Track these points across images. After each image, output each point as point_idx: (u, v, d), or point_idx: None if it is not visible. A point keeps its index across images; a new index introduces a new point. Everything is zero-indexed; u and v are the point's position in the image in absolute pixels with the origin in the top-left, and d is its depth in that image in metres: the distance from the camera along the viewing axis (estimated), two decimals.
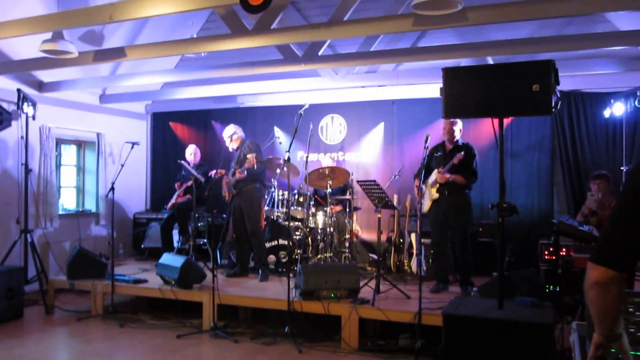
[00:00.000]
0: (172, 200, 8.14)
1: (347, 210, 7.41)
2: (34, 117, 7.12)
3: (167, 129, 9.91)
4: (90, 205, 8.95)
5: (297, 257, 6.86)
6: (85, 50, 6.40)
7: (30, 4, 6.34)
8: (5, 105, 7.01)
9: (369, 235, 8.05)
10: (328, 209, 7.16)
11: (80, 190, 8.99)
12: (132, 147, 6.78)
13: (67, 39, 5.74)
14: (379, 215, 6.11)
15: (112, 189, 6.40)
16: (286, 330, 5.44)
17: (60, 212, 8.28)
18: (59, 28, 5.51)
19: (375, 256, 6.36)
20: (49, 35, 5.63)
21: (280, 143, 8.81)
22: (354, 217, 7.71)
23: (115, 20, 5.21)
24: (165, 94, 8.79)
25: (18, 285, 6.46)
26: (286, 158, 5.66)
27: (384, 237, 7.32)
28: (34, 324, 6.30)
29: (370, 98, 8.33)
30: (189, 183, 7.74)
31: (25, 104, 6.95)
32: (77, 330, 6.06)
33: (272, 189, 7.43)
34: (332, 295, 5.59)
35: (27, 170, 7.09)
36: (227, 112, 9.40)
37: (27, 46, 6.36)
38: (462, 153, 5.83)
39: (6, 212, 7.28)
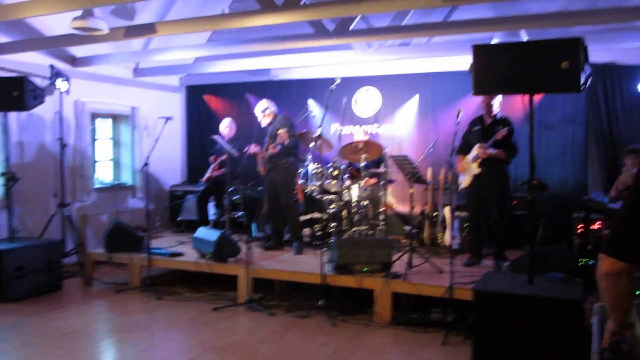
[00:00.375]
0: (207, 174, 8.18)
1: (382, 183, 7.32)
2: (67, 92, 7.18)
3: (201, 102, 9.91)
4: (126, 178, 9.06)
5: (331, 230, 6.83)
6: (117, 24, 6.38)
7: None
8: (39, 80, 7.07)
9: (404, 208, 7.96)
10: (362, 182, 7.09)
11: (117, 164, 9.10)
12: (165, 122, 6.79)
13: (98, 14, 5.72)
14: (411, 191, 6.02)
15: (147, 164, 6.44)
16: (320, 303, 5.45)
17: (97, 186, 8.42)
18: (89, 6, 5.49)
19: (410, 228, 6.30)
20: (79, 11, 5.62)
21: (314, 116, 8.73)
22: (389, 190, 7.62)
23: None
24: (198, 67, 8.76)
25: (57, 258, 6.61)
26: (318, 133, 5.59)
27: (417, 211, 7.24)
28: (73, 296, 6.45)
29: (403, 71, 8.19)
30: (224, 157, 7.75)
31: (59, 79, 7.00)
32: (115, 302, 6.18)
33: (307, 163, 7.38)
34: (365, 269, 5.56)
35: (63, 145, 7.18)
36: (261, 85, 9.33)
37: (60, 22, 6.36)
38: (506, 129, 5.69)
39: (44, 187, 7.40)
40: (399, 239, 7.48)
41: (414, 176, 5.89)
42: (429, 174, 7.28)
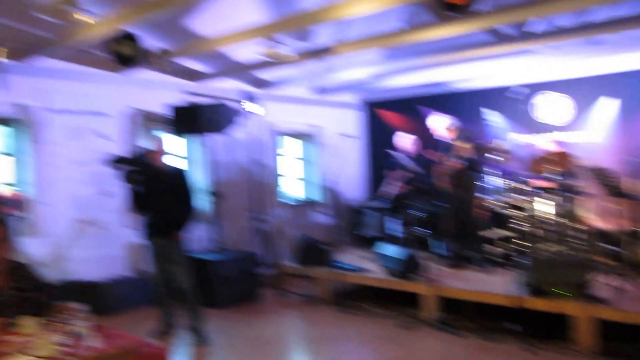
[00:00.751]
0: (389, 190, 8.25)
1: (578, 197, 6.81)
2: (258, 114, 7.68)
3: (380, 117, 10.06)
4: (313, 194, 9.46)
5: (522, 249, 6.51)
6: (297, 47, 6.70)
7: (248, 13, 6.75)
8: (231, 104, 7.60)
9: (605, 225, 7.31)
10: (554, 196, 6.66)
11: (304, 181, 9.57)
12: (348, 139, 7.00)
13: (281, 39, 6.08)
14: (614, 205, 5.51)
15: (331, 180, 6.68)
16: (513, 327, 5.21)
17: (286, 201, 8.92)
18: (275, 34, 5.87)
19: (613, 248, 5.74)
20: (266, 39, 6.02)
21: (494, 127, 8.42)
22: (586, 205, 7.06)
23: (324, 21, 5.38)
24: (376, 82, 8.91)
25: (254, 269, 7.12)
26: (501, 144, 5.40)
27: (623, 227, 6.59)
28: (269, 306, 6.89)
29: (593, 72, 7.56)
30: (405, 173, 7.78)
31: (249, 102, 7.52)
32: (306, 314, 6.49)
33: (490, 176, 7.13)
34: (563, 292, 5.19)
35: (255, 164, 7.70)
36: (437, 98, 9.22)
37: (248, 49, 6.82)
38: None
39: (238, 202, 7.98)
40: (601, 259, 6.89)
41: (616, 189, 5.40)
42: (634, 187, 6.63)
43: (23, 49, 6.02)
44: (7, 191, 6.41)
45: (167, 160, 5.47)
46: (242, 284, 6.90)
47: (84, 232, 6.61)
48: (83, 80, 6.86)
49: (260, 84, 8.49)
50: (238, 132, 7.75)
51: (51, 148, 6.54)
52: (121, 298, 6.52)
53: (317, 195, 9.41)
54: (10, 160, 6.54)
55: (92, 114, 6.92)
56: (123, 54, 5.64)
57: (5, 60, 5.32)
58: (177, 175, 5.44)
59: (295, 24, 5.66)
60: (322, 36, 7.87)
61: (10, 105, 6.28)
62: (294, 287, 7.53)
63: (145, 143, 5.91)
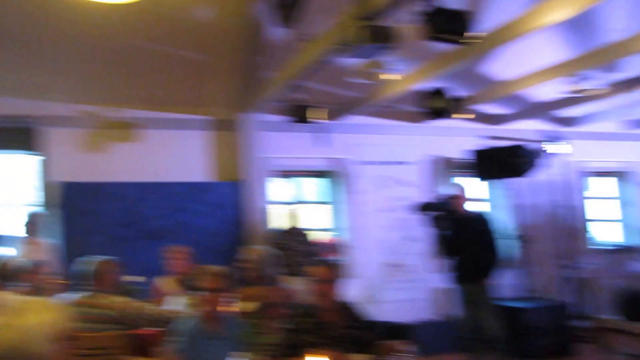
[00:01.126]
0: None
1: None
2: (563, 154, 7.20)
3: None
4: (633, 239, 8.49)
5: None
6: (605, 79, 6.20)
7: (548, 53, 6.48)
8: (533, 145, 7.27)
9: None
10: None
11: (621, 224, 8.67)
12: None
13: (587, 74, 5.67)
14: None
15: None
16: None
17: (599, 247, 8.14)
18: (579, 70, 5.54)
19: None
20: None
21: None
22: None
23: (634, 52, 4.86)
24: None
25: (565, 321, 6.59)
26: None
27: None
28: None
29: None
30: None
31: (553, 142, 7.11)
32: None
33: None
34: None
35: (561, 206, 7.19)
36: None
37: (549, 87, 6.52)
38: None
39: (544, 247, 7.54)
40: None
41: None
42: None
43: (337, 109, 6.78)
44: (327, 237, 7.16)
45: (469, 205, 5.49)
46: (554, 335, 6.42)
47: (392, 275, 6.97)
48: (386, 132, 7.39)
49: (564, 122, 8.03)
50: (541, 174, 7.39)
51: (361, 197, 7.14)
52: (427, 341, 6.61)
53: (638, 240, 8.37)
54: (328, 208, 7.32)
55: (395, 164, 7.37)
56: (436, 107, 5.92)
57: (326, 121, 6.00)
58: (481, 221, 5.42)
59: (601, 57, 5.27)
60: (635, 65, 7.15)
61: (327, 159, 7.09)
62: (617, 344, 6.69)
63: (446, 189, 6.04)
